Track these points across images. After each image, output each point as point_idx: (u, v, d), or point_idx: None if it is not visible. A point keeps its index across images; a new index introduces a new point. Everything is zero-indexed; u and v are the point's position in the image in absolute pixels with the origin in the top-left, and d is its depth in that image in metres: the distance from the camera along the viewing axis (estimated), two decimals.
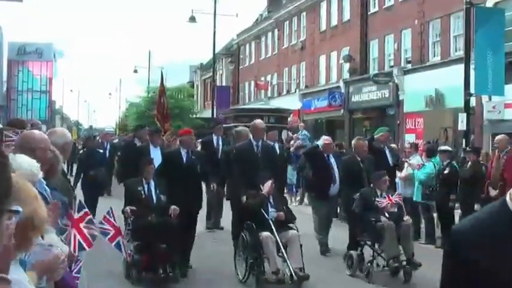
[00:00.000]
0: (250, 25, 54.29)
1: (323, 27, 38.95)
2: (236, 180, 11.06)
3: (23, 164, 3.64)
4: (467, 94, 18.91)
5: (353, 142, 12.50)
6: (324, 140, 12.85)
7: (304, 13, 41.70)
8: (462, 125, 19.10)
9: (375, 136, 13.30)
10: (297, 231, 9.87)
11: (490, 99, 22.25)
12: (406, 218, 10.57)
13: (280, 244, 9.37)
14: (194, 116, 48.33)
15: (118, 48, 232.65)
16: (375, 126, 31.85)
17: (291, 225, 9.97)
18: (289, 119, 28.77)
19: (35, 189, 2.68)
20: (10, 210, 2.07)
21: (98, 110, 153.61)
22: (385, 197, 10.43)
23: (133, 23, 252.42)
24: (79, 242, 4.74)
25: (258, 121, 11.82)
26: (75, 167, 31.51)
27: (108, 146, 22.72)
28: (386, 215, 10.23)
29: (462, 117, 19.09)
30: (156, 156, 11.35)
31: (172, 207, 9.83)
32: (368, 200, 10.50)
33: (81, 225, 4.88)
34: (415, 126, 28.34)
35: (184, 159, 10.61)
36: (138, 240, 9.67)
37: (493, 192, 12.20)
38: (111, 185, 20.85)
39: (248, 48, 53.65)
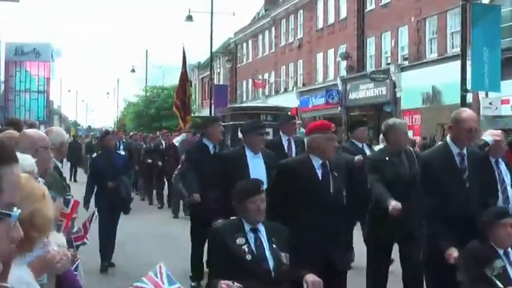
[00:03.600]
0: (247, 23, 54.35)
1: (320, 25, 39.00)
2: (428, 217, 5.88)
3: (22, 161, 3.63)
4: (464, 90, 18.90)
5: None
6: (493, 135, 6.40)
7: (301, 11, 41.75)
8: None
9: None
10: None
11: (486, 95, 22.29)
12: None
13: None
14: (192, 114, 48.28)
15: (115, 47, 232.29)
16: (373, 124, 32.21)
17: None
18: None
19: (42, 187, 2.57)
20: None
21: (96, 110, 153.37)
22: None
23: (130, 22, 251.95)
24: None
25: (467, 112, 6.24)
26: (80, 172, 29.49)
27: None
28: None
29: None
30: (259, 169, 6.98)
31: (310, 278, 5.03)
32: None
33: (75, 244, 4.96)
34: (412, 122, 28.36)
35: (320, 176, 5.76)
36: None
37: None
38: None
39: (245, 46, 53.70)
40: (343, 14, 35.92)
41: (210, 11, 35.34)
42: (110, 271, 10.17)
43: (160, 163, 18.43)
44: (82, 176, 28.57)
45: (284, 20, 44.68)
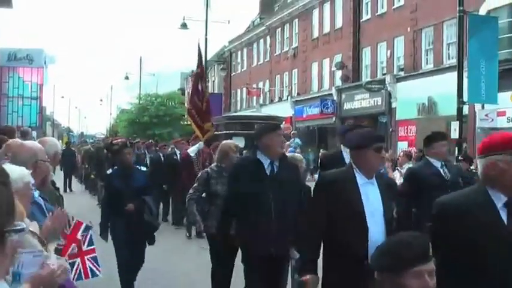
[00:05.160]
0: (242, 32, 54.33)
1: (315, 34, 38.98)
2: None
3: (13, 175, 3.50)
4: (460, 102, 18.81)
5: None
6: None
7: (297, 20, 41.72)
8: (455, 133, 19.01)
9: None
10: None
11: (482, 107, 22.23)
12: None
13: None
14: (185, 123, 48.22)
15: (109, 54, 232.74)
16: None
17: None
18: (281, 126, 28.67)
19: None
20: (14, 229, 1.89)
21: (89, 117, 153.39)
22: None
23: (125, 29, 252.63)
24: (79, 272, 4.80)
25: None
26: (74, 181, 28.08)
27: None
28: None
29: (455, 125, 18.99)
30: (374, 202, 4.81)
31: None
32: None
33: (86, 257, 4.93)
34: (407, 133, 28.31)
35: (505, 221, 3.47)
36: None
37: None
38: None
39: (240, 55, 53.67)
40: (339, 23, 35.89)
41: (205, 19, 35.28)
42: None
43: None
44: (77, 185, 28.15)
45: (279, 29, 44.67)
